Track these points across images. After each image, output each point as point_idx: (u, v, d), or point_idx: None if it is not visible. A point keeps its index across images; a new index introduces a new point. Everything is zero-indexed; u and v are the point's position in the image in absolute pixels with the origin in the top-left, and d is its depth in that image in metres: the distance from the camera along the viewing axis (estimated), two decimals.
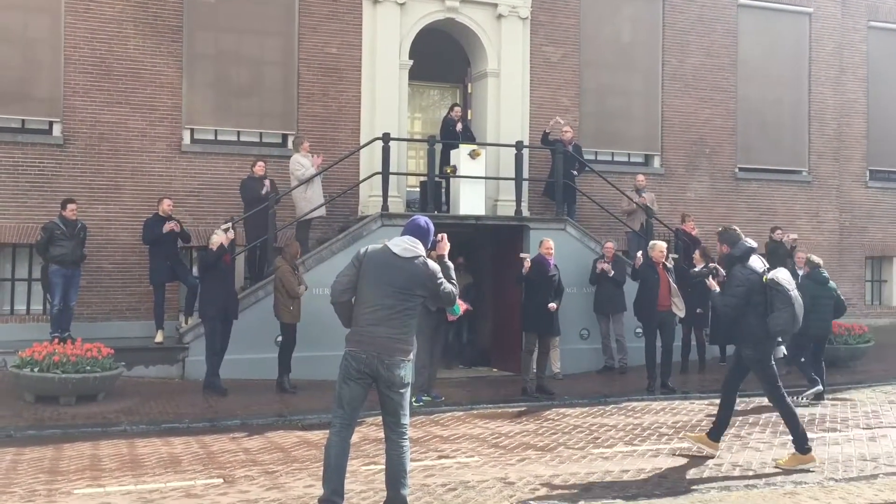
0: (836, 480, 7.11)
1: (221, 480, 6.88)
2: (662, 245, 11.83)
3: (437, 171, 13.10)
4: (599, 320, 13.20)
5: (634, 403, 10.84)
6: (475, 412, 10.15)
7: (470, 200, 13.09)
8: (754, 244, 7.75)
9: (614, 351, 13.17)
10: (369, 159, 13.52)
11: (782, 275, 7.53)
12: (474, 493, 6.57)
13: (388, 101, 13.94)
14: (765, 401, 11.02)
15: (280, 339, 11.19)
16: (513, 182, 13.52)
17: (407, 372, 5.61)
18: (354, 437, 8.56)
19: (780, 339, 8.00)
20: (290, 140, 13.60)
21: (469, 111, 15.04)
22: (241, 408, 10.00)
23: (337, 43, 13.91)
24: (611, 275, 12.79)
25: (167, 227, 11.65)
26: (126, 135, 12.82)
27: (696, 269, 7.81)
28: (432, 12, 14.37)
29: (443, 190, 13.72)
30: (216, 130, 13.59)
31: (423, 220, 5.77)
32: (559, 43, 15.30)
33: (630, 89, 16.07)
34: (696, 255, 13.44)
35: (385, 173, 12.54)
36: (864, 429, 9.40)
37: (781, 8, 17.20)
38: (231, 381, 10.93)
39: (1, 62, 12.40)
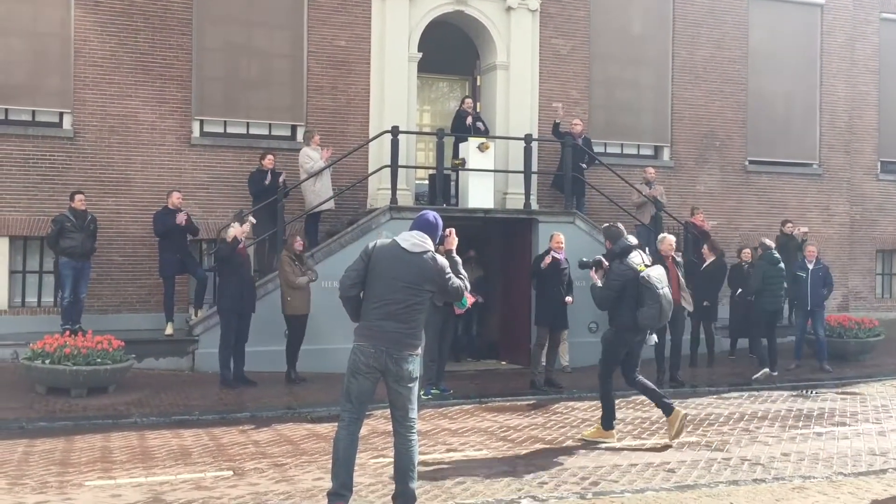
0: (845, 475, 7.09)
1: (231, 473, 6.92)
2: (672, 238, 11.79)
3: (445, 164, 13.10)
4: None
5: (643, 397, 10.78)
6: (484, 405, 10.17)
7: (479, 193, 13.08)
8: (635, 241, 8.34)
9: None
10: (378, 152, 13.52)
11: (654, 272, 7.99)
12: (482, 487, 6.59)
13: (397, 94, 13.93)
14: (773, 395, 11.06)
15: (287, 331, 11.23)
16: (522, 175, 13.51)
17: (415, 366, 5.63)
18: (363, 430, 8.59)
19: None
20: (299, 133, 13.63)
21: (478, 104, 15.01)
22: (250, 400, 10.06)
23: (346, 36, 13.90)
24: (604, 265, 12.72)
25: (180, 217, 11.69)
26: (136, 128, 12.86)
27: (584, 259, 8.13)
28: (441, 4, 14.34)
29: (452, 183, 13.72)
30: (225, 123, 13.61)
31: (431, 214, 5.74)
32: (569, 35, 15.25)
33: (640, 82, 16.00)
34: (705, 248, 13.43)
35: (394, 166, 12.55)
36: (873, 423, 9.37)
37: (793, 0, 17.09)
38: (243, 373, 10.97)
39: (12, 55, 12.46)
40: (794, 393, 11.34)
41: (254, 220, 11.43)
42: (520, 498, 6.31)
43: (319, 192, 12.62)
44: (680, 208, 15.09)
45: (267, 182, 12.27)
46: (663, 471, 7.16)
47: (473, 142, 13.13)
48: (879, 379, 12.42)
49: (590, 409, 9.99)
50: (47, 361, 9.82)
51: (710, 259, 13.27)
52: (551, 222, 12.95)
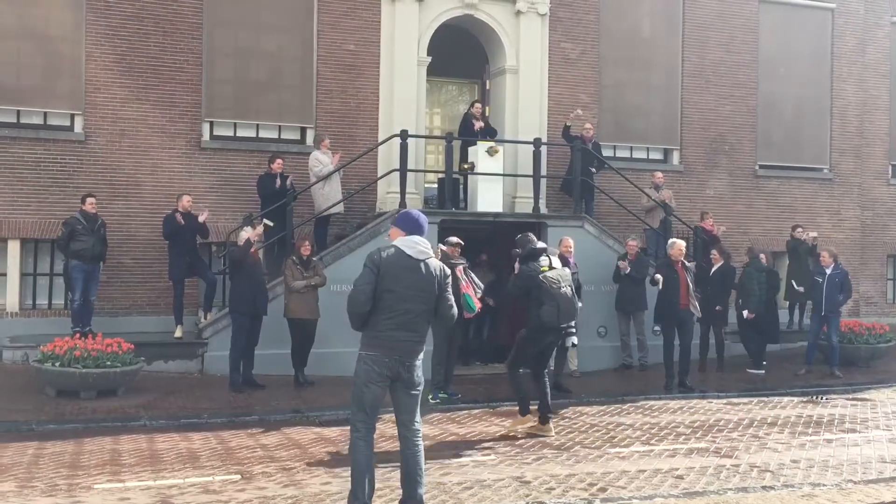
0: (855, 483, 7.06)
1: (239, 476, 6.93)
2: (681, 244, 11.76)
3: (454, 168, 13.11)
4: (620, 318, 13.17)
5: (652, 402, 10.81)
6: (492, 410, 10.16)
7: (488, 197, 13.09)
8: (543, 245, 9.07)
9: (634, 349, 13.15)
10: (387, 156, 13.54)
11: (552, 274, 8.59)
12: (490, 492, 6.58)
13: (406, 98, 13.95)
14: (783, 400, 11.02)
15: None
16: (531, 179, 13.50)
17: (422, 371, 5.66)
18: None
19: (571, 332, 9.19)
20: (309, 137, 13.67)
21: (487, 108, 15.02)
22: (259, 403, 10.08)
23: (355, 40, 13.93)
24: (626, 272, 12.75)
25: (202, 216, 11.76)
26: (146, 131, 12.92)
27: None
28: (450, 8, 14.36)
29: (461, 187, 13.73)
30: (235, 127, 13.66)
31: (415, 213, 5.73)
32: (578, 39, 15.24)
33: (649, 85, 15.97)
34: (715, 253, 13.39)
35: (403, 170, 12.55)
36: (884, 430, 9.31)
37: (803, 3, 17.04)
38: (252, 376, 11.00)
39: (23, 59, 12.53)
40: (805, 399, 11.28)
41: (271, 224, 11.50)
42: None
43: (328, 196, 12.65)
44: (689, 213, 15.04)
45: (277, 186, 12.32)
46: (672, 477, 7.13)
47: (483, 146, 13.14)
48: (890, 385, 12.35)
49: (598, 414, 9.97)
50: (57, 364, 9.87)
51: (718, 264, 13.24)
52: (560, 226, 12.94)
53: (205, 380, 11.41)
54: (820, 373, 12.89)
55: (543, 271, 8.59)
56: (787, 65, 16.77)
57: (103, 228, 11.58)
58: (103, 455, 7.62)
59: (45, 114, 12.79)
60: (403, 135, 12.55)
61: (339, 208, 12.91)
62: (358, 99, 13.95)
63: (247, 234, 10.84)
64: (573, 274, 11.00)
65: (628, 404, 10.65)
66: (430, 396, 10.35)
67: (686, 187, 15.83)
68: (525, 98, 14.69)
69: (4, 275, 12.44)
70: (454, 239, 10.41)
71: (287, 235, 12.26)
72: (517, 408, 9.00)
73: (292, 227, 12.37)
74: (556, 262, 8.87)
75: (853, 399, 11.33)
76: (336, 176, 12.76)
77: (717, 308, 13.09)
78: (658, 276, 11.83)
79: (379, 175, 13.53)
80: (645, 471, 7.33)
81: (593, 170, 14.13)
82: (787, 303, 15.12)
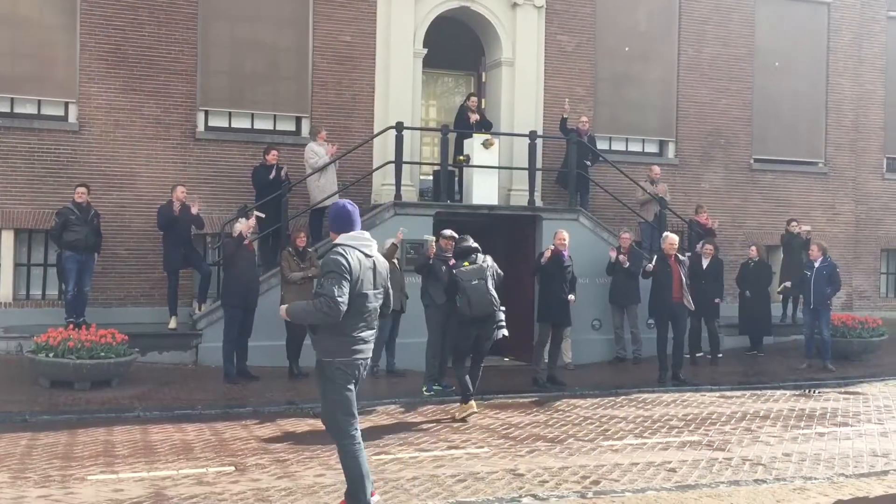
0: (847, 476, 7.09)
1: (233, 468, 6.94)
2: (674, 237, 11.80)
3: (450, 161, 13.10)
4: (614, 311, 13.19)
5: (645, 395, 10.84)
6: (486, 402, 10.17)
7: (483, 190, 13.09)
8: (475, 246, 9.53)
9: (628, 342, 13.18)
10: (383, 148, 13.52)
11: (465, 269, 9.18)
12: (484, 485, 6.60)
13: (401, 90, 13.92)
14: (776, 394, 11.06)
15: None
16: (526, 172, 13.49)
17: None
18: (363, 427, 8.66)
19: (501, 325, 9.27)
20: (304, 128, 13.65)
21: (483, 100, 15.00)
22: (253, 395, 10.09)
23: (351, 31, 13.89)
24: (626, 266, 12.77)
25: (194, 208, 11.71)
26: (141, 122, 12.87)
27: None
28: (446, 0, 14.31)
29: (456, 179, 13.72)
30: (230, 118, 13.63)
31: (346, 207, 5.48)
32: (574, 32, 15.22)
33: (646, 79, 15.95)
34: (709, 248, 13.42)
35: (398, 162, 12.55)
36: (875, 423, 9.36)
37: None
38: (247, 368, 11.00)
39: (17, 48, 12.48)
40: (797, 392, 11.33)
41: (262, 215, 11.48)
42: (521, 496, 6.32)
43: (324, 188, 12.63)
44: (684, 206, 15.06)
45: (271, 177, 12.30)
46: (664, 470, 7.16)
47: (478, 138, 13.12)
48: (882, 379, 12.40)
49: (592, 407, 10.00)
50: (51, 355, 9.86)
51: (709, 257, 13.31)
52: (555, 219, 12.95)
53: (199, 371, 11.41)
54: (813, 367, 12.92)
55: (464, 267, 9.18)
56: (784, 59, 16.76)
57: (97, 219, 11.55)
58: (97, 446, 7.62)
59: (39, 104, 12.74)
60: (399, 127, 12.53)
61: (335, 199, 12.88)
62: (353, 90, 13.92)
63: (240, 225, 10.83)
64: (566, 267, 11.07)
65: (622, 397, 10.68)
66: (425, 389, 10.37)
67: (681, 181, 15.85)
68: (521, 91, 14.68)
69: None
70: (448, 232, 10.42)
71: (282, 227, 12.24)
72: (461, 397, 9.41)
73: (287, 219, 12.35)
74: (488, 261, 9.37)
75: (845, 393, 11.38)
76: (331, 168, 12.74)
77: (717, 300, 13.25)
78: (649, 266, 11.94)
79: (374, 167, 13.51)
80: (638, 463, 7.35)
81: (588, 163, 14.14)
82: (781, 296, 15.16)
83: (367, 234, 5.50)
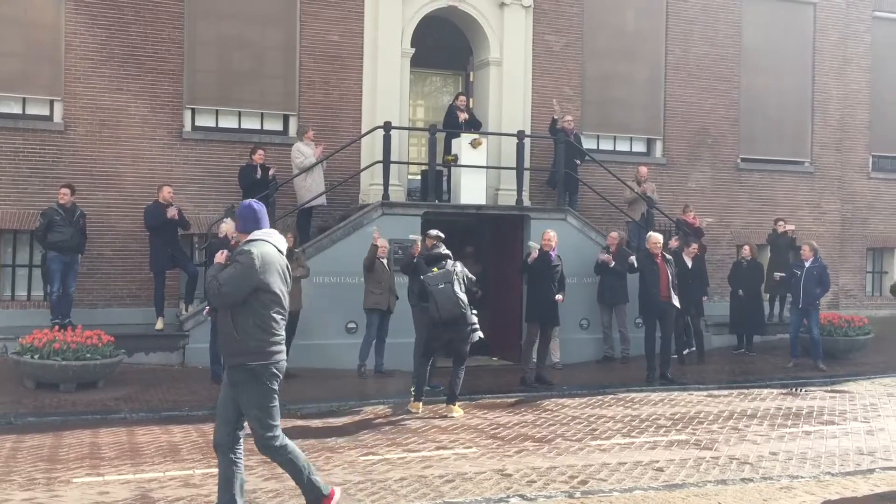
0: (833, 475, 7.13)
1: None
2: (657, 237, 11.84)
3: (438, 161, 13.09)
4: (602, 311, 13.22)
5: (633, 394, 10.86)
6: (474, 402, 10.17)
7: (471, 190, 13.08)
8: (447, 253, 9.74)
9: (616, 341, 13.21)
10: (370, 148, 13.50)
11: (432, 274, 9.35)
12: (472, 485, 6.59)
13: (389, 90, 13.89)
14: (763, 392, 11.10)
15: None
16: (514, 172, 13.50)
17: None
18: (353, 428, 8.66)
19: (472, 329, 9.39)
20: (291, 128, 13.61)
21: (471, 100, 14.99)
22: None
23: (339, 30, 13.86)
24: (610, 266, 12.81)
25: (170, 212, 11.64)
26: (127, 121, 12.80)
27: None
28: (434, 0, 14.30)
29: (444, 179, 13.71)
30: (217, 118, 13.57)
31: (252, 206, 5.39)
32: (562, 31, 15.23)
33: (633, 79, 15.99)
34: (693, 247, 13.45)
35: (386, 162, 12.53)
36: (862, 422, 9.41)
37: None
38: None
39: (2, 47, 12.38)
40: (784, 391, 11.38)
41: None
42: (508, 496, 6.32)
43: (311, 188, 12.60)
44: (672, 205, 15.10)
45: (258, 176, 12.25)
46: (652, 469, 7.17)
47: (466, 138, 13.12)
48: (869, 377, 12.47)
49: (580, 406, 10.01)
50: (36, 356, 9.79)
51: (693, 255, 13.36)
52: (543, 219, 12.97)
53: (186, 372, 11.35)
54: (801, 365, 12.98)
55: (433, 273, 9.37)
56: (770, 59, 16.83)
57: (82, 220, 11.47)
58: (82, 448, 7.57)
59: (24, 103, 12.65)
60: (387, 126, 12.51)
61: (322, 200, 12.86)
62: (341, 90, 13.88)
63: (227, 225, 10.77)
64: (554, 266, 11.08)
65: (609, 396, 10.70)
66: (413, 388, 10.35)
67: (669, 180, 15.89)
68: (509, 90, 14.68)
69: None
70: (434, 231, 10.41)
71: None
72: (413, 391, 9.73)
73: (275, 219, 12.30)
74: (457, 266, 9.53)
75: (832, 391, 11.43)
76: (319, 167, 12.71)
77: (704, 298, 13.37)
78: (632, 257, 12.05)
79: (362, 167, 13.48)
80: (625, 463, 7.37)
81: (578, 162, 14.16)
82: (768, 295, 15.23)
83: (277, 232, 5.38)
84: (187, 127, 13.20)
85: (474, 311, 9.53)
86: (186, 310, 12.11)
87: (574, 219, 13.44)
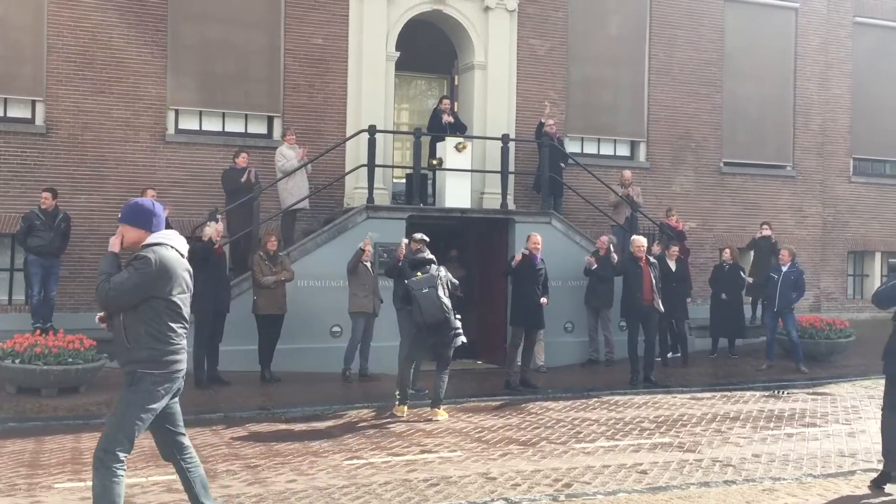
0: (815, 476, 7.18)
1: None
2: (641, 240, 11.91)
3: (422, 164, 13.10)
4: (588, 314, 13.27)
5: (617, 397, 10.90)
6: (459, 406, 10.17)
7: (456, 193, 13.11)
8: (429, 256, 9.81)
9: (601, 344, 13.26)
10: (355, 151, 13.49)
11: (416, 279, 9.42)
12: (456, 489, 6.60)
13: (374, 93, 13.90)
14: (745, 395, 11.16)
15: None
16: (499, 175, 13.53)
17: None
18: (337, 431, 8.63)
19: (456, 333, 9.46)
20: (275, 131, 13.59)
21: (456, 103, 15.03)
22: (224, 400, 10.00)
23: (323, 34, 13.85)
24: (592, 268, 12.87)
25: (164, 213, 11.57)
26: (109, 124, 12.74)
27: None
28: (419, 3, 14.33)
29: (429, 182, 13.72)
30: (201, 120, 13.52)
31: (145, 204, 4.95)
32: (546, 36, 15.29)
33: (617, 83, 16.08)
34: (674, 249, 13.52)
35: (371, 165, 12.53)
36: (843, 424, 9.48)
37: (768, 3, 17.25)
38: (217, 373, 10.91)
39: None
40: (766, 393, 11.45)
41: (218, 219, 11.34)
42: (493, 500, 6.33)
43: (293, 191, 12.57)
44: (655, 209, 15.19)
45: (243, 180, 12.21)
46: (636, 472, 7.20)
47: (451, 141, 13.14)
48: (850, 380, 12.57)
49: (564, 409, 10.03)
50: (17, 361, 9.71)
51: (675, 258, 13.43)
52: (528, 222, 13.00)
53: None
54: (782, 368, 13.08)
55: (416, 277, 9.42)
56: (752, 64, 16.97)
57: (64, 223, 11.40)
58: (64, 454, 7.51)
59: (6, 105, 12.56)
60: (371, 130, 12.51)
61: (306, 204, 12.83)
62: (325, 93, 13.87)
63: (210, 229, 10.74)
64: (538, 270, 11.11)
65: (594, 399, 10.73)
66: (397, 392, 10.33)
67: (652, 184, 15.97)
68: (493, 94, 14.72)
69: None
70: (419, 235, 10.42)
71: (253, 231, 12.16)
72: (399, 394, 9.70)
73: (259, 223, 12.27)
74: (441, 271, 9.61)
75: (813, 394, 11.52)
76: (302, 171, 12.68)
77: (688, 300, 13.53)
78: (614, 257, 12.12)
79: (347, 170, 13.47)
80: (609, 466, 7.39)
81: (562, 165, 14.21)
82: (750, 298, 15.34)
83: (177, 234, 5.01)
84: (171, 130, 13.14)
85: (458, 316, 9.54)
86: None
87: (559, 222, 13.49)
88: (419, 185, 13.07)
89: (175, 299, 4.80)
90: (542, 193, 13.75)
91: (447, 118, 13.63)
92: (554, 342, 12.95)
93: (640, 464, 7.49)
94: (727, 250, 14.56)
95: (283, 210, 12.63)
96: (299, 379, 11.24)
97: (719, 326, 14.31)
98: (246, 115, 13.78)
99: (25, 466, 7.05)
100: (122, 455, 4.71)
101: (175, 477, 6.72)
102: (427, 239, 10.26)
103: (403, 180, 14.28)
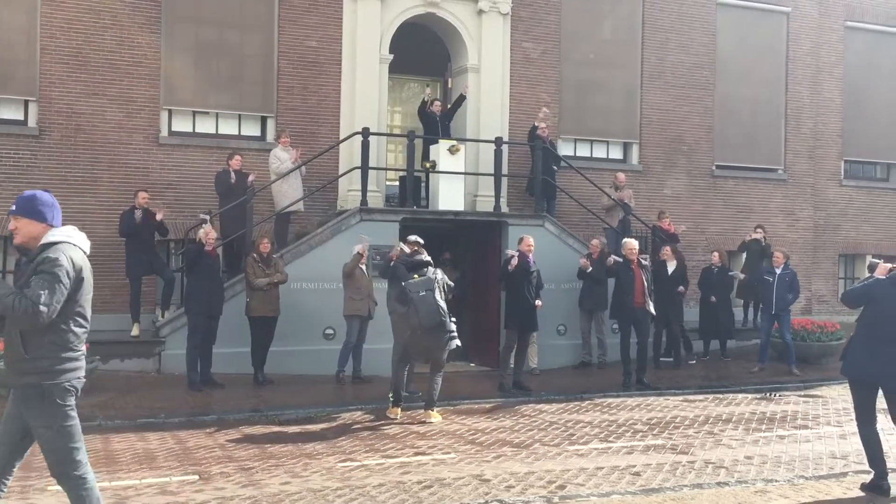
0: (807, 478, 7.22)
1: (197, 477, 6.87)
2: (633, 243, 11.96)
3: (416, 167, 13.12)
4: (582, 316, 13.29)
5: (610, 399, 10.94)
6: (452, 408, 10.19)
7: (449, 196, 13.12)
8: (426, 259, 9.89)
9: (594, 347, 13.29)
10: (349, 153, 13.50)
11: (413, 281, 9.43)
12: (450, 491, 6.61)
13: (368, 96, 13.91)
14: (738, 397, 11.21)
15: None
16: (492, 178, 13.55)
17: None
18: (331, 433, 8.64)
19: (453, 335, 9.45)
20: (269, 133, 13.58)
21: (449, 105, 15.03)
22: (217, 402, 9.99)
23: (317, 36, 13.86)
24: (588, 271, 12.90)
25: (159, 214, 11.62)
26: (103, 126, 12.71)
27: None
28: (413, 6, 14.35)
29: (422, 185, 13.74)
30: (194, 122, 13.51)
31: (43, 196, 4.49)
32: (539, 39, 15.33)
33: (610, 86, 16.12)
34: (667, 250, 13.55)
35: (364, 168, 12.54)
36: (834, 426, 9.54)
37: (760, 7, 17.33)
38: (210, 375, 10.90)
39: None
40: (759, 396, 11.50)
41: (207, 217, 11.37)
42: (487, 502, 6.34)
43: (287, 193, 12.56)
44: (648, 212, 15.23)
45: (233, 182, 12.17)
46: (629, 474, 7.23)
47: (444, 144, 13.16)
48: (841, 382, 12.55)
49: (557, 412, 10.06)
50: None
51: (671, 261, 13.45)
52: (521, 225, 13.02)
53: (162, 379, 11.27)
54: (774, 370, 13.14)
55: (412, 280, 9.43)
56: (744, 67, 17.04)
57: None
58: None
59: None
60: (365, 132, 12.52)
61: (300, 206, 12.83)
62: (319, 96, 13.88)
63: (203, 232, 10.74)
64: (531, 272, 11.13)
65: (587, 402, 10.76)
66: (390, 394, 10.34)
67: (645, 187, 16.02)
68: (486, 97, 14.75)
69: None
70: (413, 237, 10.44)
71: (247, 233, 12.15)
72: (392, 397, 9.75)
73: (252, 225, 12.27)
74: (438, 274, 9.63)
75: (805, 396, 11.57)
76: (296, 173, 12.67)
77: (680, 288, 13.53)
78: (610, 259, 12.16)
79: (340, 172, 13.48)
80: (603, 468, 7.42)
81: (555, 168, 14.24)
82: (742, 301, 15.40)
83: (77, 230, 4.54)
84: (164, 132, 13.13)
85: (453, 319, 9.55)
86: (163, 316, 12.03)
87: (552, 225, 13.52)
88: (412, 187, 13.09)
89: (82, 303, 4.44)
90: (535, 196, 13.78)
91: (437, 104, 13.67)
92: (547, 344, 12.97)
93: (634, 466, 7.51)
94: (715, 253, 14.63)
95: (277, 212, 12.62)
96: (293, 381, 11.24)
97: (708, 329, 14.37)
98: (239, 117, 13.78)
99: (18, 469, 7.00)
100: (84, 471, 4.49)
101: (168, 479, 6.77)
102: (422, 241, 10.28)
103: (397, 183, 14.29)
